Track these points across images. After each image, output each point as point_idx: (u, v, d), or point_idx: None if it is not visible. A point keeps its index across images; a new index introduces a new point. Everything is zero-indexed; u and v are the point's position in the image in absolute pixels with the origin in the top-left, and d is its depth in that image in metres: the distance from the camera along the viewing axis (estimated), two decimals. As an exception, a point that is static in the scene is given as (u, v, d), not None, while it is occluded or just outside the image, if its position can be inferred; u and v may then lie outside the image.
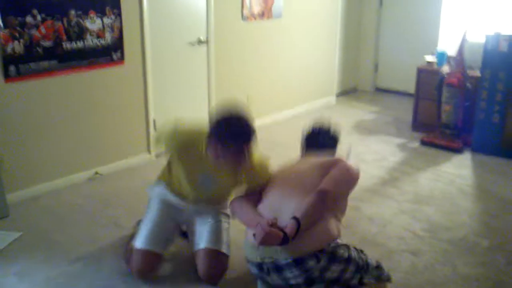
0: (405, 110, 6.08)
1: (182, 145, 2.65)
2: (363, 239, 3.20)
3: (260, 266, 2.46)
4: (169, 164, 2.82)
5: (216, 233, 2.77)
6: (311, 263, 2.37)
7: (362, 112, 6.30)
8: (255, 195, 2.67)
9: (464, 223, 3.45)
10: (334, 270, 2.41)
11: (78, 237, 3.21)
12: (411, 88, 5.78)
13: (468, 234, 3.30)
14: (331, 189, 2.47)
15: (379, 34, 7.20)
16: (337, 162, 2.63)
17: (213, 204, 2.85)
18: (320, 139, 2.94)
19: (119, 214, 3.49)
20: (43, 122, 3.75)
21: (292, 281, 2.42)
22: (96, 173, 4.10)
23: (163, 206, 2.81)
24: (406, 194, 3.89)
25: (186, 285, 2.74)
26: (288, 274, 2.40)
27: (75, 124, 3.93)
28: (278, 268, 2.41)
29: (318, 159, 2.74)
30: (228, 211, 2.88)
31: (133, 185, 3.98)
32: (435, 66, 5.31)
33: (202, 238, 2.76)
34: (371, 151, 4.85)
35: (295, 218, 2.34)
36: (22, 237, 3.19)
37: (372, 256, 2.97)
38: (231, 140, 2.46)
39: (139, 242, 2.72)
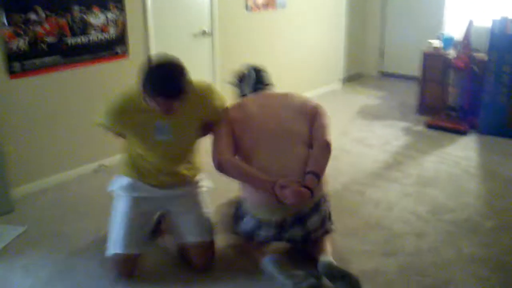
0: (410, 94, 6.06)
1: (120, 110, 2.50)
2: (368, 223, 3.23)
3: (280, 225, 2.55)
4: (125, 150, 2.72)
5: (203, 223, 2.74)
6: (324, 205, 2.61)
7: (367, 97, 6.29)
8: (231, 147, 2.59)
9: (468, 204, 3.46)
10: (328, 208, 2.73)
11: (84, 229, 3.23)
12: (416, 72, 5.76)
13: (472, 215, 3.31)
14: (330, 139, 2.62)
15: (384, 19, 7.16)
16: (317, 108, 2.75)
17: (185, 168, 2.71)
18: (263, 79, 2.99)
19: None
20: (48, 117, 3.80)
21: (311, 228, 2.58)
22: (101, 165, 4.15)
23: (132, 203, 2.66)
24: (411, 178, 3.90)
25: (177, 274, 2.72)
26: (310, 221, 2.56)
27: (80, 117, 3.97)
28: (301, 220, 2.54)
29: (289, 101, 2.78)
30: (203, 181, 2.83)
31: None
32: (441, 50, 5.29)
33: (189, 230, 2.69)
34: (376, 136, 4.86)
35: (313, 173, 2.46)
36: (28, 231, 3.21)
37: (377, 239, 3.04)
38: (164, 96, 2.32)
39: (116, 247, 2.62)
